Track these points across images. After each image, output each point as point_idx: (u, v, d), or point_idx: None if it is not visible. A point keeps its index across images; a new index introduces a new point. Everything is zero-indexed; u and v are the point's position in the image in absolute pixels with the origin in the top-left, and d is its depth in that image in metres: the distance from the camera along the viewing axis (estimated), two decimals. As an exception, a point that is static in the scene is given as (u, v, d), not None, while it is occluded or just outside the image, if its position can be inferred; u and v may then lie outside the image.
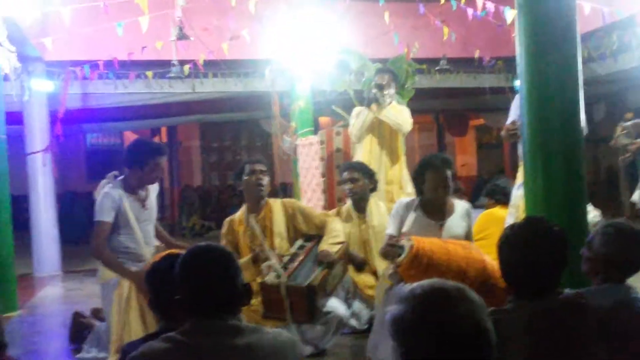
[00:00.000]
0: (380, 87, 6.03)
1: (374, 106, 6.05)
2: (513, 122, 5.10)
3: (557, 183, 3.62)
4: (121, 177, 4.60)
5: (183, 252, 2.20)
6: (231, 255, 2.14)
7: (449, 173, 4.33)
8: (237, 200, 5.15)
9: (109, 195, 4.48)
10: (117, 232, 4.51)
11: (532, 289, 2.35)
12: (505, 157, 17.91)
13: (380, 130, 6.11)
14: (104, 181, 4.60)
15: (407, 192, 6.01)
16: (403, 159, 6.19)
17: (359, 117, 6.11)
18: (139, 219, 4.55)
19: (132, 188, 4.56)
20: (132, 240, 4.53)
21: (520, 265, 2.36)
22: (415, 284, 1.66)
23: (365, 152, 6.09)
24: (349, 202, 5.50)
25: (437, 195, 4.20)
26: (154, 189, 4.78)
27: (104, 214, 4.45)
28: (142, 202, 4.61)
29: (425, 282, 1.65)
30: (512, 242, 2.42)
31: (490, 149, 19.45)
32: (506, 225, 4.92)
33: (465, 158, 19.64)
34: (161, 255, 4.37)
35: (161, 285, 2.37)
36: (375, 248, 5.19)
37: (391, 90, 6.10)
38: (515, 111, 5.42)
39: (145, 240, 4.61)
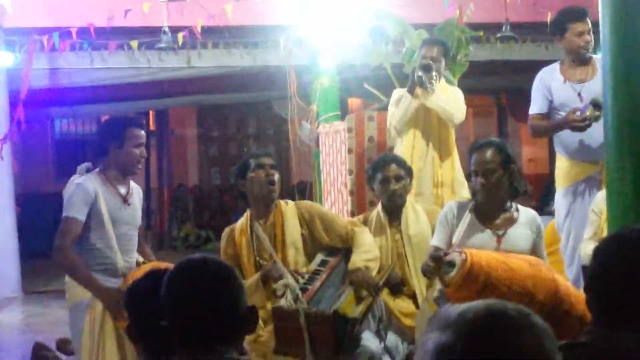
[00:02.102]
0: (428, 69, 5.98)
1: (418, 90, 6.02)
2: (573, 110, 5.14)
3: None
4: (96, 169, 4.64)
5: (171, 266, 2.21)
6: (231, 271, 2.15)
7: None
8: (242, 204, 5.15)
9: (81, 186, 4.50)
10: (87, 236, 4.52)
11: (632, 316, 2.28)
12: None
13: (426, 119, 6.09)
14: (74, 175, 4.64)
15: (462, 196, 5.98)
16: (455, 155, 6.18)
17: (400, 104, 6.08)
18: (117, 220, 4.58)
19: (111, 180, 4.61)
20: (107, 247, 4.56)
21: (622, 285, 2.29)
22: (465, 305, 1.63)
23: (407, 146, 6.07)
24: (378, 207, 5.48)
25: (488, 198, 4.23)
26: (137, 190, 4.82)
27: (74, 209, 4.46)
28: (123, 198, 4.65)
29: (479, 303, 1.62)
30: (612, 256, 2.35)
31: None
32: (586, 236, 4.95)
33: (533, 151, 19.52)
34: (144, 271, 4.42)
35: (143, 308, 2.38)
36: (413, 264, 5.16)
37: (441, 67, 6.08)
38: (545, 95, 5.50)
39: (124, 248, 4.63)
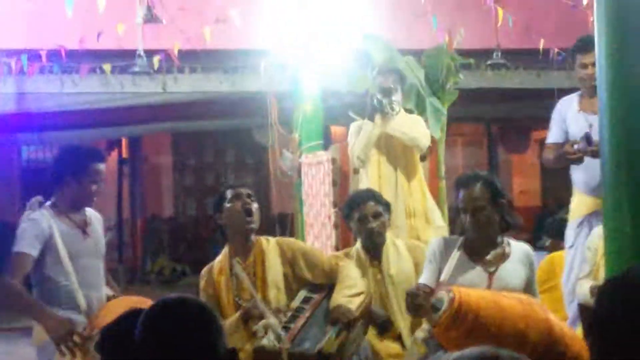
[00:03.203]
0: (388, 93, 6.07)
1: (378, 118, 6.10)
2: (571, 143, 5.17)
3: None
4: (49, 202, 4.62)
5: (143, 301, 2.21)
6: (210, 312, 2.15)
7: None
8: (220, 237, 5.13)
9: (35, 222, 4.50)
10: (48, 274, 4.51)
11: None
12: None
13: (389, 147, 6.16)
14: (26, 212, 4.61)
15: (437, 225, 6.02)
16: (423, 181, 6.24)
17: (360, 133, 6.15)
18: (77, 253, 4.57)
19: (65, 212, 4.59)
20: (68, 282, 4.53)
21: (629, 332, 2.26)
22: (457, 354, 1.65)
23: (374, 177, 6.11)
24: (357, 245, 5.47)
25: (479, 235, 4.25)
26: (96, 218, 4.81)
27: (25, 244, 4.45)
28: (81, 229, 4.63)
29: (472, 350, 1.64)
30: (618, 301, 2.31)
31: (559, 171, 19.34)
32: (581, 274, 4.96)
33: (525, 182, 19.58)
34: (114, 307, 4.39)
35: (118, 352, 2.37)
36: (397, 304, 5.16)
37: (398, 96, 6.16)
38: (560, 125, 5.53)
39: (87, 282, 4.60)
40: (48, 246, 4.49)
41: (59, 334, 4.27)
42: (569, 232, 5.62)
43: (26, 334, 6.68)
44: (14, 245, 4.49)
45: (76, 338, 4.23)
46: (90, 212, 4.80)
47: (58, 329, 4.29)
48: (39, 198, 4.66)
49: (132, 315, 2.39)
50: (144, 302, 4.53)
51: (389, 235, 5.46)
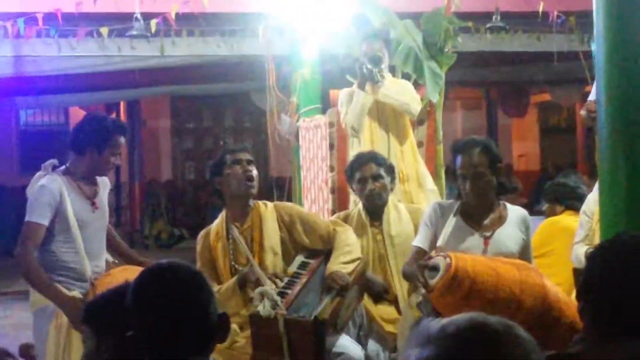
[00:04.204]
0: (377, 61, 6.07)
1: (368, 86, 6.10)
2: (595, 101, 5.09)
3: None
4: (62, 167, 4.61)
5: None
6: (201, 277, 2.15)
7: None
8: (218, 200, 5.14)
9: (45, 189, 4.48)
10: (52, 240, 4.52)
11: (627, 327, 2.27)
12: (579, 145, 17.89)
13: (381, 114, 6.16)
14: (39, 173, 4.61)
15: (429, 189, 6.04)
16: (415, 146, 6.24)
17: (351, 101, 6.15)
18: (85, 222, 4.57)
19: (78, 181, 4.58)
20: (73, 252, 4.54)
21: (618, 294, 2.27)
22: (447, 320, 1.65)
23: (366, 143, 6.11)
24: (359, 206, 5.49)
25: (477, 200, 4.24)
26: (104, 185, 4.80)
27: (38, 214, 4.45)
28: (91, 200, 4.63)
29: (461, 317, 1.64)
30: (608, 264, 2.32)
31: (558, 135, 19.42)
32: (577, 238, 4.97)
33: (524, 146, 19.61)
34: (113, 276, 4.40)
35: (107, 318, 2.38)
36: (395, 267, 5.18)
37: (386, 62, 6.17)
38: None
39: (92, 252, 4.62)
40: (58, 213, 4.49)
41: (73, 313, 4.29)
42: (589, 196, 5.53)
43: (20, 297, 6.74)
44: (26, 212, 4.48)
45: None
46: (99, 180, 4.79)
47: (72, 308, 4.32)
48: (54, 161, 4.65)
49: (119, 289, 2.40)
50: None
51: (391, 197, 5.48)
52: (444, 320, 1.66)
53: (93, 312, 2.51)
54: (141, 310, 2.10)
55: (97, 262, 4.66)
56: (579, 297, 2.41)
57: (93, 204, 4.65)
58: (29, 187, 4.61)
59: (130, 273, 4.65)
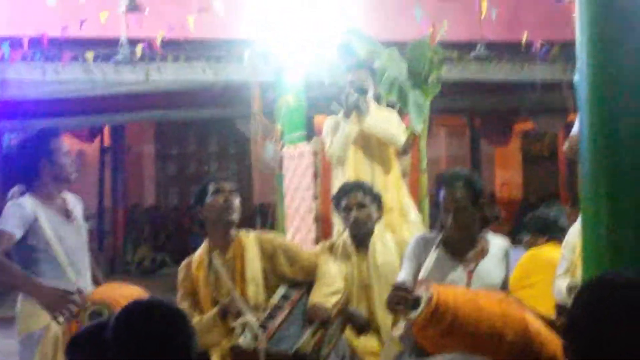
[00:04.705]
0: (363, 91, 6.11)
1: (353, 116, 6.13)
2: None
3: (629, 218, 3.59)
4: (30, 191, 4.62)
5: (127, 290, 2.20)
6: (182, 315, 2.14)
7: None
8: (200, 228, 5.11)
9: (18, 206, 4.50)
10: (35, 261, 4.50)
11: None
12: (561, 173, 17.94)
13: (366, 144, 6.18)
14: (8, 203, 4.60)
15: (411, 220, 6.05)
16: (399, 176, 6.25)
17: (336, 130, 6.17)
18: (63, 237, 4.57)
19: (48, 198, 4.59)
20: (57, 269, 4.52)
21: (608, 335, 2.25)
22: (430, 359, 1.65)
23: (349, 173, 6.12)
24: (345, 235, 5.49)
25: (459, 233, 4.23)
26: (76, 202, 4.81)
27: (8, 224, 4.44)
28: (65, 214, 4.63)
29: (443, 357, 1.64)
30: (598, 304, 2.29)
31: (541, 163, 19.50)
32: (558, 272, 4.96)
33: (506, 174, 19.69)
34: (100, 294, 4.38)
35: (89, 355, 2.37)
36: (379, 297, 5.16)
37: (371, 92, 6.22)
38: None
39: (75, 266, 4.60)
40: (33, 229, 4.48)
41: (53, 300, 4.26)
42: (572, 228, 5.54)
43: (5, 324, 6.64)
44: None
45: (70, 306, 4.23)
46: (70, 196, 4.81)
47: (50, 295, 4.29)
48: (21, 187, 4.65)
49: (100, 324, 2.38)
50: (133, 288, 4.54)
51: (378, 227, 5.48)
52: (427, 360, 1.66)
53: (74, 347, 2.50)
54: (121, 348, 2.09)
55: (82, 279, 4.64)
56: (562, 335, 2.41)
57: (68, 217, 4.65)
58: (2, 212, 4.60)
59: (114, 286, 4.67)
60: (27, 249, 4.48)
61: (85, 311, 4.22)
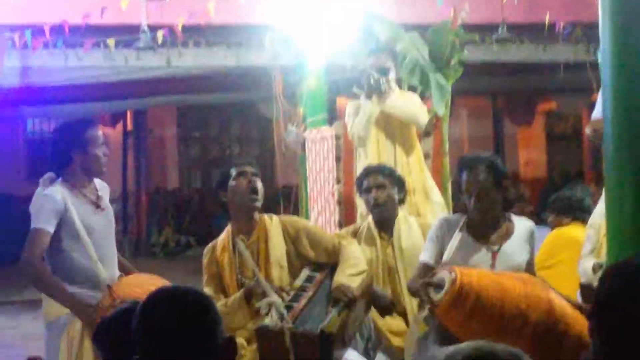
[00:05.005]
0: (383, 71, 6.10)
1: (375, 97, 6.12)
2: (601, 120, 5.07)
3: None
4: (59, 179, 4.64)
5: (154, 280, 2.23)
6: (208, 301, 2.16)
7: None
8: (223, 212, 5.15)
9: (49, 197, 4.51)
10: (63, 249, 4.54)
11: None
12: (585, 152, 17.87)
13: (387, 126, 6.17)
14: (38, 189, 4.64)
15: (434, 202, 6.05)
16: (421, 158, 6.25)
17: (358, 113, 6.17)
18: (92, 227, 4.59)
19: (77, 187, 4.62)
20: (85, 258, 4.56)
21: (633, 316, 2.25)
22: (453, 348, 1.67)
23: (373, 156, 6.12)
24: (369, 219, 5.51)
25: (482, 216, 4.24)
26: (104, 189, 4.83)
27: (42, 220, 4.47)
28: (94, 202, 4.66)
29: (467, 345, 1.65)
30: (625, 287, 2.30)
31: (565, 142, 19.41)
32: (583, 251, 4.96)
33: (530, 154, 19.60)
34: (126, 284, 4.41)
35: (115, 344, 2.40)
36: (405, 279, 5.18)
37: (393, 74, 6.19)
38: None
39: (104, 257, 4.64)
40: (64, 220, 4.51)
41: (88, 318, 4.31)
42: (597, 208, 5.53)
43: (27, 307, 6.76)
44: (31, 221, 4.51)
45: (96, 316, 4.26)
46: (99, 183, 4.82)
47: (85, 312, 4.35)
48: (51, 174, 4.68)
49: (128, 309, 2.40)
50: (156, 279, 4.58)
51: (402, 210, 5.49)
52: (450, 349, 1.67)
53: (102, 332, 2.53)
54: (147, 336, 2.10)
55: (110, 269, 4.68)
56: (588, 317, 2.42)
57: (98, 206, 4.68)
58: (32, 200, 4.63)
59: (143, 279, 4.69)
60: (57, 239, 4.52)
61: (115, 308, 4.25)
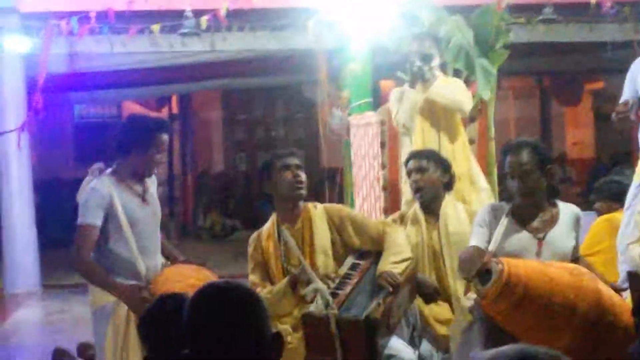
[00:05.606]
0: (427, 59, 6.05)
1: (418, 85, 6.08)
2: (625, 103, 5.01)
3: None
4: (109, 170, 4.68)
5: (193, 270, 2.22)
6: (255, 296, 2.18)
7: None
8: (268, 202, 5.17)
9: (95, 191, 4.57)
10: (106, 241, 4.61)
11: None
12: (635, 133, 17.62)
13: (431, 113, 6.13)
14: (87, 178, 4.69)
15: (481, 188, 6.01)
16: (467, 144, 6.21)
17: (403, 100, 6.14)
18: (136, 220, 4.64)
19: (126, 180, 4.65)
20: (127, 251, 4.62)
21: None
22: (495, 351, 1.66)
23: (417, 142, 6.09)
24: (416, 204, 5.50)
25: (526, 201, 4.21)
26: (152, 181, 4.87)
27: (89, 216, 4.54)
28: (141, 197, 4.70)
29: (509, 348, 1.65)
30: None
31: (612, 122, 19.14)
32: (630, 239, 4.90)
33: (578, 134, 19.39)
34: (166, 276, 4.45)
35: (162, 335, 2.42)
36: (450, 265, 5.17)
37: (436, 60, 6.14)
38: (630, 86, 5.36)
39: (146, 249, 4.70)
40: (109, 213, 4.57)
41: (133, 301, 4.40)
42: (630, 193, 5.50)
43: (77, 291, 6.82)
44: (78, 215, 4.57)
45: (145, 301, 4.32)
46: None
47: (132, 297, 4.43)
48: (100, 165, 4.73)
49: (170, 299, 2.42)
50: (197, 271, 4.61)
51: (449, 196, 5.47)
52: (492, 352, 1.67)
53: (145, 325, 2.55)
54: (197, 330, 2.13)
55: (152, 260, 4.73)
56: (633, 313, 2.40)
57: (144, 200, 4.72)
58: (79, 191, 4.69)
59: (183, 271, 4.72)
60: (101, 231, 4.58)
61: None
